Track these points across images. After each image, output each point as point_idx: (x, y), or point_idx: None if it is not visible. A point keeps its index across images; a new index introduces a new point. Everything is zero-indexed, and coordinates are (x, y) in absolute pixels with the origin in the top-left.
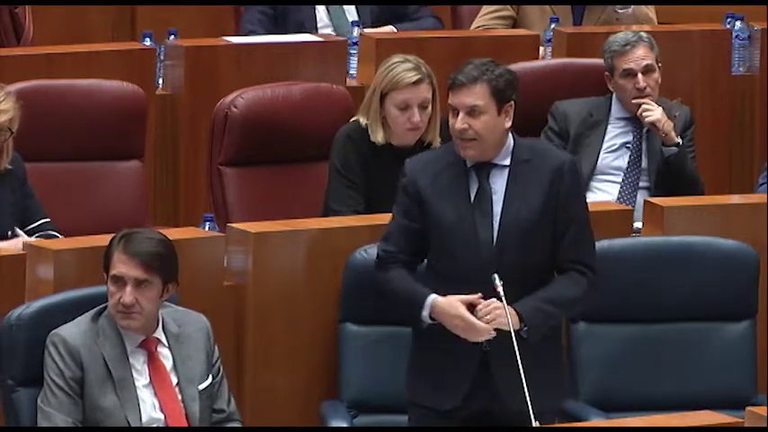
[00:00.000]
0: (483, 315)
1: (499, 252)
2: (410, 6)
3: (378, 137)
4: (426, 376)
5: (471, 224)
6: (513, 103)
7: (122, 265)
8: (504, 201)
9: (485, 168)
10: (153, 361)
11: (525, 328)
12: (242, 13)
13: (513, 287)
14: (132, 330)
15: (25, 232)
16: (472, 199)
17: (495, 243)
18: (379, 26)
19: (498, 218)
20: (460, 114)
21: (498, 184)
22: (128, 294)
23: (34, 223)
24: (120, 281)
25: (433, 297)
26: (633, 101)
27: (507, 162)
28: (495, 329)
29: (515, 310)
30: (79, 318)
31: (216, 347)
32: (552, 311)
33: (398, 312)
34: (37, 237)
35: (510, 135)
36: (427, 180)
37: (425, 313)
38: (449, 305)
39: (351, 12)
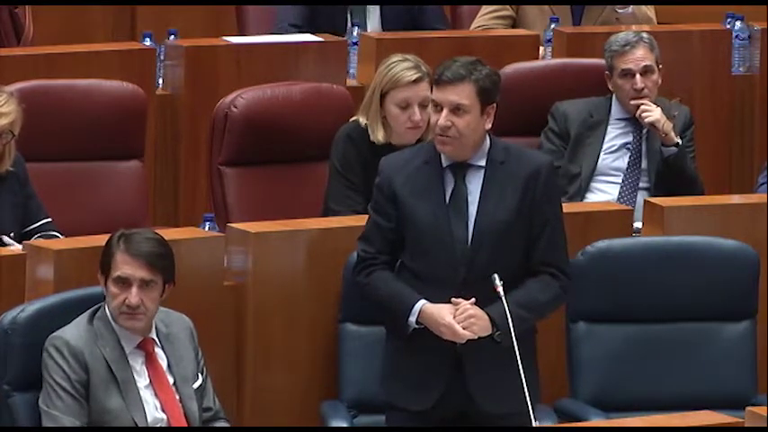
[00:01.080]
0: (459, 322)
1: (473, 252)
2: (427, 12)
3: (378, 136)
4: (401, 377)
5: (446, 224)
6: (495, 105)
7: (127, 266)
8: (479, 201)
9: (461, 168)
10: (151, 362)
11: (497, 333)
12: (243, 13)
13: (488, 289)
14: (136, 331)
15: (26, 232)
16: (447, 199)
17: (469, 243)
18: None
19: (473, 218)
20: (444, 111)
21: (474, 184)
22: (134, 295)
23: (35, 223)
24: (124, 282)
25: (421, 304)
26: (631, 102)
27: (483, 163)
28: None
29: (488, 314)
30: (76, 320)
31: (199, 346)
32: (524, 315)
33: (382, 315)
34: (38, 237)
35: (487, 136)
36: (402, 179)
37: (413, 319)
38: (438, 314)
39: (374, 16)
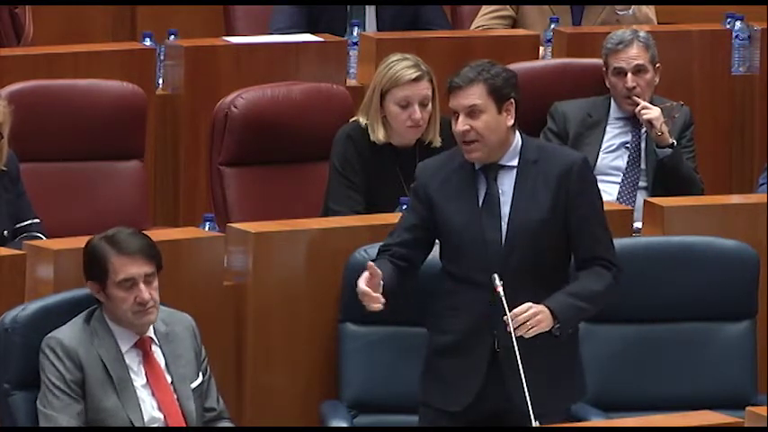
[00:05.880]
0: (525, 321)
1: (508, 253)
2: (426, 14)
3: (378, 135)
4: (437, 377)
5: (479, 226)
6: (513, 100)
7: (129, 267)
8: (512, 202)
9: (492, 170)
10: (148, 361)
11: (557, 326)
12: (230, 13)
13: (523, 288)
14: (148, 326)
15: (14, 230)
16: (480, 201)
17: (503, 244)
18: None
19: (506, 219)
20: (461, 116)
21: (506, 185)
22: (144, 291)
23: (23, 222)
24: (130, 282)
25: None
26: (625, 101)
27: (515, 163)
28: (501, 330)
29: (547, 306)
30: (72, 320)
31: (202, 346)
32: (583, 306)
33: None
34: (22, 237)
35: (518, 135)
36: (436, 183)
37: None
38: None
39: (371, 16)
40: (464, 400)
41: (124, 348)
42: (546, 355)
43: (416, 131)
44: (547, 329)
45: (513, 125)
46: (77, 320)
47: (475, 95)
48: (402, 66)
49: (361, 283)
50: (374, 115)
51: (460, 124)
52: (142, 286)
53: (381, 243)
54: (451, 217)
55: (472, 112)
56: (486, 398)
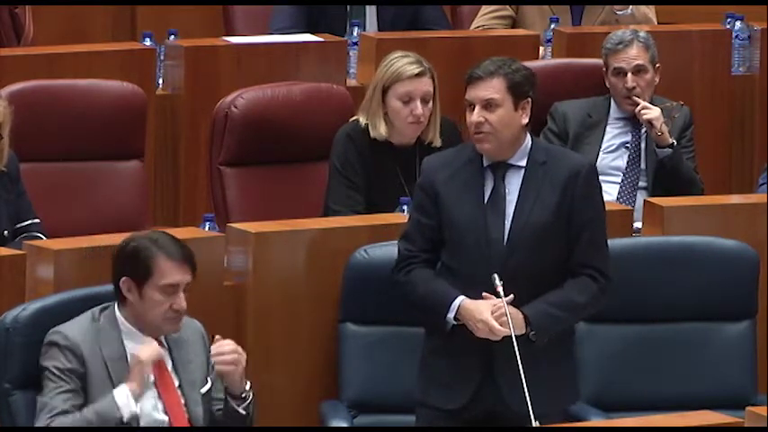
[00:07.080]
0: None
1: (509, 252)
2: (426, 13)
3: (380, 130)
4: (434, 377)
5: (483, 223)
6: (530, 99)
7: (176, 273)
8: (517, 201)
9: (501, 168)
10: (156, 363)
11: (532, 333)
12: (230, 13)
13: (523, 289)
14: (175, 332)
15: (14, 230)
16: (486, 198)
17: (505, 243)
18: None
19: (510, 218)
20: (476, 108)
21: (513, 184)
22: (183, 300)
23: (23, 222)
24: (173, 288)
25: (460, 300)
26: (625, 101)
27: (523, 163)
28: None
29: (523, 313)
30: (78, 317)
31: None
32: (559, 315)
33: (420, 314)
34: (22, 237)
35: (528, 136)
36: (443, 177)
37: (451, 316)
38: (476, 310)
39: (372, 16)
40: (460, 398)
41: (132, 349)
42: (539, 358)
43: (417, 128)
44: (518, 333)
45: (527, 125)
46: (83, 318)
47: (494, 89)
48: (404, 62)
49: (492, 322)
50: (376, 111)
51: (475, 115)
52: (182, 294)
53: (401, 247)
54: (456, 213)
55: (488, 105)
56: (481, 398)
